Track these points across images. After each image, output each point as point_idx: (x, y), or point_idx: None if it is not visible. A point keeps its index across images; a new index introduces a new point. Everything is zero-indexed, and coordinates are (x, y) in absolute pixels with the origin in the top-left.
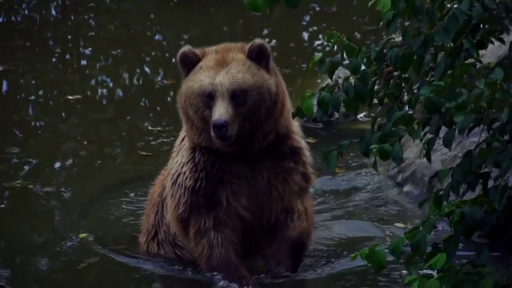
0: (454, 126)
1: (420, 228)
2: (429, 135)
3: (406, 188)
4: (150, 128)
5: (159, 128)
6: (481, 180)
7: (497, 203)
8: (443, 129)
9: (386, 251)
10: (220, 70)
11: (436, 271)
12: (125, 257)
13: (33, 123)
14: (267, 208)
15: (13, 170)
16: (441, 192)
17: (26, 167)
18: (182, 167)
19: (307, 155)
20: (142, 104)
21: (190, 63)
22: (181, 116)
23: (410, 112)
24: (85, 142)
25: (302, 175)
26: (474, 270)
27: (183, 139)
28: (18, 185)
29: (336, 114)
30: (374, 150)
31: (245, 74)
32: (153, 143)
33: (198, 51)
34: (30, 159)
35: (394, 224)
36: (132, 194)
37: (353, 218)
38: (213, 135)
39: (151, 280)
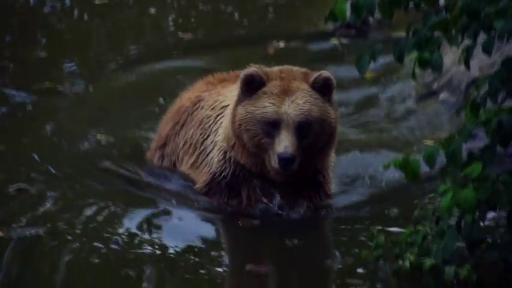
0: (493, 32)
1: (456, 137)
2: (467, 42)
3: (441, 96)
4: (180, 35)
5: (189, 35)
6: None
7: None
8: (481, 36)
9: None
10: (286, 99)
11: (471, 181)
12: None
13: (57, 25)
14: None
15: (41, 72)
16: (478, 100)
17: (53, 70)
18: (214, 147)
19: (331, 187)
20: (169, 1)
21: (254, 86)
22: (230, 133)
23: (448, 17)
24: (112, 44)
25: (320, 198)
26: (511, 180)
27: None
28: (46, 86)
29: (370, 20)
30: (413, 58)
31: (311, 105)
32: (183, 50)
33: (261, 72)
34: (57, 62)
35: (423, 140)
36: (160, 100)
37: (380, 144)
38: (276, 166)
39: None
